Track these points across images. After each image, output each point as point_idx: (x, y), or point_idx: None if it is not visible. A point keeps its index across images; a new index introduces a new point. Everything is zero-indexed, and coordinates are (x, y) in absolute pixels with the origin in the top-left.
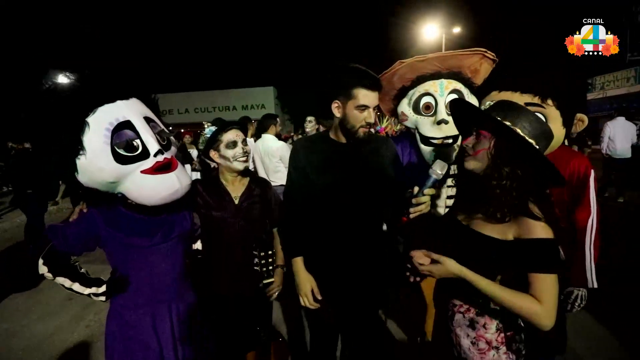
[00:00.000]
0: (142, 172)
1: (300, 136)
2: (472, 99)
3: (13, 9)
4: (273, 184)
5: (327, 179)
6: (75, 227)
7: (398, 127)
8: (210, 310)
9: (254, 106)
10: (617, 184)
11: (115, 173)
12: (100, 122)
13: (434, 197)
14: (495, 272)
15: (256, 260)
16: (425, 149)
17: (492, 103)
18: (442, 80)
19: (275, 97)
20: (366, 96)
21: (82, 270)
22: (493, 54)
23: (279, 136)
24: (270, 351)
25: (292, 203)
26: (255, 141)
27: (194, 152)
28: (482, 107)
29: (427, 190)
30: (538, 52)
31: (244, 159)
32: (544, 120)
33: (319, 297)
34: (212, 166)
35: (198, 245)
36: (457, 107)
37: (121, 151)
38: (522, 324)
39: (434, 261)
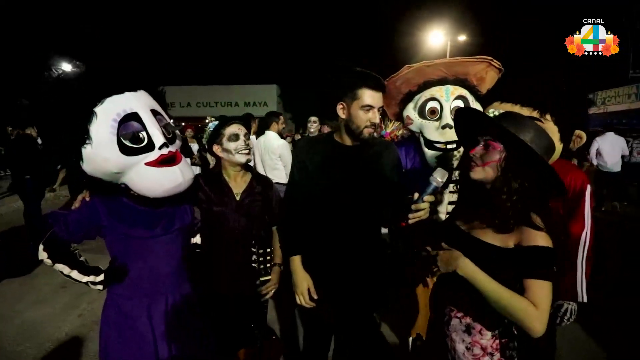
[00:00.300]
0: (146, 164)
1: (299, 136)
2: (477, 106)
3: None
4: None
5: (329, 180)
6: (77, 215)
7: (400, 132)
8: (208, 305)
9: (256, 103)
10: (608, 196)
11: (120, 164)
12: (108, 112)
13: (435, 203)
14: (494, 278)
15: (254, 257)
16: (429, 153)
17: (495, 112)
18: (448, 86)
19: (278, 95)
20: (371, 96)
21: (82, 258)
22: (499, 63)
23: (280, 135)
24: (263, 349)
25: (293, 202)
26: (257, 138)
27: (194, 147)
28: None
29: (426, 197)
30: (540, 66)
31: (246, 151)
32: None
33: (315, 297)
34: (210, 164)
35: (197, 239)
36: (467, 115)
37: (127, 142)
38: (515, 332)
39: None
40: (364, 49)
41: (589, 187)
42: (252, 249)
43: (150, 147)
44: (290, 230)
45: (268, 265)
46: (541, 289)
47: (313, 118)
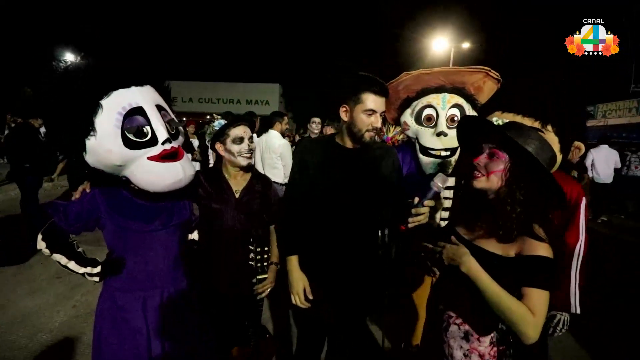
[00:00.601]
0: (148, 158)
1: (298, 136)
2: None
3: None
4: None
5: (329, 181)
6: (76, 206)
7: (401, 136)
8: (206, 302)
9: (258, 101)
10: (600, 207)
11: (123, 157)
12: (113, 105)
13: (434, 208)
14: None
15: (251, 255)
16: (424, 159)
17: (499, 121)
18: (445, 94)
19: (280, 95)
20: (374, 101)
21: (79, 249)
22: (497, 73)
23: (283, 134)
24: (256, 348)
25: (292, 202)
26: (258, 136)
27: (195, 142)
28: None
29: (427, 202)
30: (540, 67)
31: (248, 155)
32: None
33: (311, 297)
34: (209, 162)
35: (195, 235)
36: (471, 123)
37: (131, 136)
38: (512, 340)
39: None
40: (368, 53)
41: (584, 200)
42: (250, 247)
43: (153, 141)
44: (288, 230)
45: (265, 263)
46: (539, 298)
47: (315, 119)
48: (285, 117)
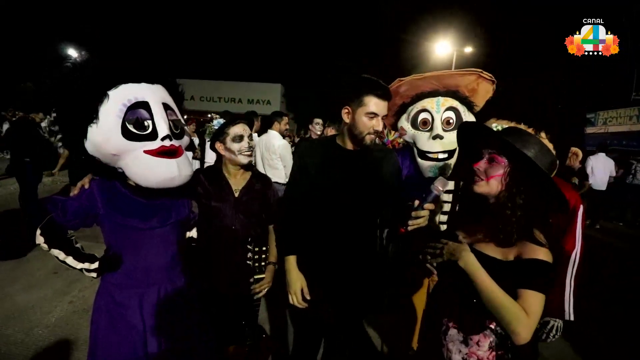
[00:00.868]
0: (145, 151)
1: (297, 137)
2: (470, 117)
3: None
4: None
5: (329, 182)
6: (74, 202)
7: (402, 139)
8: (205, 301)
9: (260, 101)
10: (597, 214)
11: (119, 146)
12: (120, 97)
13: (431, 211)
14: None
15: (249, 254)
16: (421, 163)
17: (498, 127)
18: (439, 97)
19: (282, 95)
20: (376, 104)
21: (78, 245)
22: (490, 75)
23: (282, 135)
24: (253, 347)
25: (292, 202)
26: (259, 136)
27: (195, 140)
28: None
29: (427, 205)
30: (538, 83)
31: (249, 153)
32: None
33: (308, 297)
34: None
35: (193, 233)
36: (470, 129)
37: (130, 127)
38: (510, 344)
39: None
40: (368, 53)
41: (581, 207)
42: (248, 247)
43: (153, 136)
44: (287, 230)
45: (263, 263)
46: (535, 300)
47: (317, 120)
48: (285, 117)
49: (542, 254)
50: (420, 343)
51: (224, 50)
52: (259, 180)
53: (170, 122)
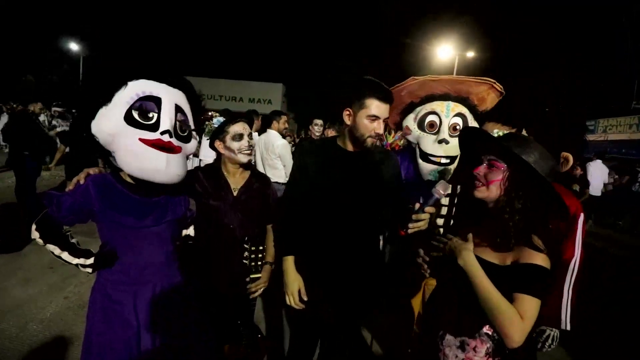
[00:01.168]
0: (140, 139)
1: (297, 137)
2: (475, 125)
3: None
4: None
5: (329, 183)
6: (70, 197)
7: (402, 142)
8: (203, 299)
9: (261, 100)
10: (591, 219)
11: (116, 127)
12: (136, 87)
13: (434, 215)
14: None
15: (246, 254)
16: (422, 165)
17: (499, 132)
18: (450, 102)
19: (284, 95)
20: (378, 107)
21: (73, 240)
22: (501, 86)
23: (282, 134)
24: (247, 347)
25: (291, 202)
26: (259, 135)
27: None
28: None
29: (427, 208)
30: (519, 85)
31: (249, 152)
32: None
33: (305, 298)
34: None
35: (190, 231)
36: (471, 134)
37: (135, 113)
38: (507, 351)
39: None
40: (372, 57)
41: (582, 215)
42: (245, 246)
43: (154, 127)
44: (286, 230)
45: (259, 263)
46: (530, 304)
47: (317, 121)
48: (284, 116)
49: (540, 259)
50: (417, 346)
51: (226, 48)
52: (258, 180)
53: (177, 123)
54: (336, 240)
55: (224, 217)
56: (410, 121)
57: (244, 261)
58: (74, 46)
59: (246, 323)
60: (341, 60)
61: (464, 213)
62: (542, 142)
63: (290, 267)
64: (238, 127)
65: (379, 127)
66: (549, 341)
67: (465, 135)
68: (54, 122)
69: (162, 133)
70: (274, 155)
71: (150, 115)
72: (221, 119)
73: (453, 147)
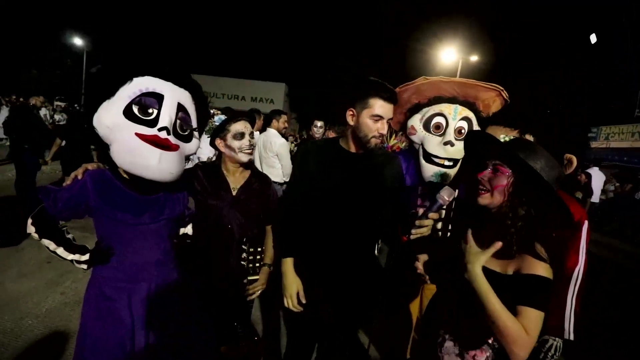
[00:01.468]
0: (136, 133)
1: (297, 137)
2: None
3: None
4: None
5: (330, 185)
6: (66, 192)
7: (404, 144)
8: (203, 299)
9: (263, 99)
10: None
11: (114, 121)
12: (140, 84)
13: (436, 220)
14: None
15: (244, 254)
16: (425, 166)
17: (505, 137)
18: (457, 105)
19: (286, 94)
20: (382, 107)
21: (69, 235)
22: (507, 94)
23: (281, 133)
24: (244, 348)
25: (291, 203)
26: (260, 133)
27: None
28: None
29: (431, 214)
30: (523, 86)
31: (249, 151)
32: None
33: (304, 301)
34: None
35: (188, 229)
36: (477, 138)
37: (135, 108)
38: None
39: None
40: (374, 58)
41: (586, 223)
42: (243, 247)
43: (152, 123)
44: (285, 232)
45: (257, 264)
46: (534, 317)
47: (318, 122)
48: (284, 116)
49: (542, 269)
50: (416, 352)
51: (230, 47)
52: (258, 180)
53: (178, 121)
54: (336, 242)
55: (222, 216)
56: (416, 121)
57: (242, 262)
58: (77, 41)
59: (243, 325)
60: (342, 60)
61: (465, 217)
62: (545, 145)
63: (289, 269)
64: (239, 126)
65: (382, 127)
66: (552, 351)
67: (471, 138)
68: (56, 116)
69: (160, 129)
70: (272, 153)
71: (150, 110)
72: (223, 117)
73: (457, 150)
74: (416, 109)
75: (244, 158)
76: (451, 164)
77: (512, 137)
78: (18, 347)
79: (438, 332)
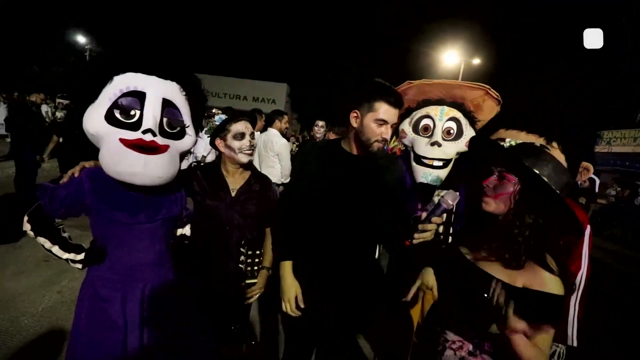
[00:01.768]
0: (120, 139)
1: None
2: (471, 132)
3: None
4: None
5: (331, 187)
6: (63, 190)
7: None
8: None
9: (264, 99)
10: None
11: (97, 128)
12: (121, 83)
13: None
14: (493, 315)
15: (242, 257)
16: (416, 167)
17: (511, 142)
18: (444, 107)
19: (288, 95)
20: (387, 111)
21: (65, 234)
22: (497, 94)
23: (283, 134)
24: (243, 350)
25: (291, 205)
26: (260, 133)
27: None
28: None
29: (434, 219)
30: (546, 91)
31: (250, 152)
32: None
33: (302, 305)
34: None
35: (187, 230)
36: (482, 144)
37: (116, 112)
38: None
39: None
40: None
41: (589, 228)
42: (241, 249)
43: (135, 126)
44: (284, 234)
45: (255, 268)
46: (547, 335)
47: (319, 122)
48: (286, 117)
49: (554, 283)
50: (414, 357)
51: (232, 46)
52: (258, 181)
53: (165, 119)
54: (337, 244)
55: (221, 218)
56: (405, 125)
57: (240, 265)
58: (80, 39)
59: (241, 328)
60: (342, 60)
61: (469, 224)
62: (570, 154)
63: (287, 273)
64: (240, 126)
65: (386, 132)
66: (555, 358)
67: (476, 145)
68: (57, 114)
69: (144, 132)
70: (273, 153)
71: (132, 112)
72: (223, 116)
73: (446, 150)
74: (407, 113)
75: (244, 159)
76: (441, 164)
77: (517, 142)
78: (13, 347)
79: (438, 340)
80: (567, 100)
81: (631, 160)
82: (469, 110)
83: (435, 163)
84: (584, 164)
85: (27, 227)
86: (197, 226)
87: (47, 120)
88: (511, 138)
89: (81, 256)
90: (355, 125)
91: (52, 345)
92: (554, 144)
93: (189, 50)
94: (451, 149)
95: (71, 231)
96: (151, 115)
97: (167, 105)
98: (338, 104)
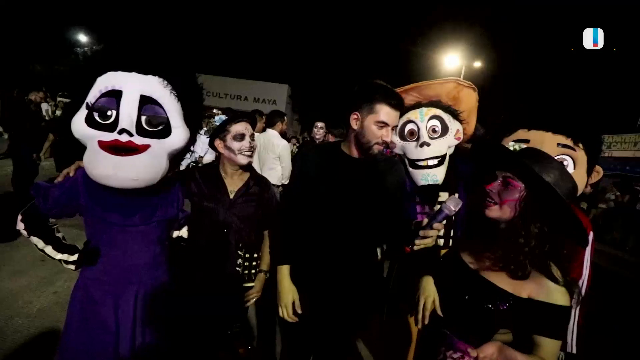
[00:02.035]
0: (98, 141)
1: (302, 139)
2: (455, 125)
3: None
4: None
5: (331, 190)
6: (57, 190)
7: None
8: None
9: (265, 100)
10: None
11: (80, 131)
12: (101, 84)
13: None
14: (498, 325)
15: (240, 260)
16: (413, 172)
17: (516, 146)
18: (422, 108)
19: (289, 96)
20: (388, 114)
21: (59, 234)
22: (469, 82)
23: (283, 135)
24: (238, 356)
25: (290, 207)
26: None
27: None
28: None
29: (436, 225)
30: (571, 94)
31: (249, 153)
32: (572, 165)
33: (299, 311)
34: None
35: (183, 232)
36: (486, 148)
37: (95, 114)
38: None
39: None
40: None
41: (591, 234)
42: (239, 252)
43: (111, 127)
44: (283, 237)
45: (253, 271)
46: (553, 347)
47: (319, 123)
48: (286, 118)
49: (560, 295)
50: None
51: (233, 47)
52: (257, 183)
53: (144, 117)
54: (336, 248)
55: (218, 220)
56: (392, 135)
57: (237, 268)
58: (82, 37)
59: (238, 329)
60: (342, 62)
61: (472, 231)
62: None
63: (284, 278)
64: (240, 127)
65: (387, 134)
66: None
67: (480, 149)
68: (58, 112)
69: (120, 132)
70: (274, 154)
71: (109, 113)
72: (223, 117)
73: (436, 148)
74: None
75: (244, 160)
76: (435, 162)
77: (522, 147)
78: (6, 348)
79: (439, 349)
80: (590, 102)
81: (631, 165)
82: (447, 105)
83: (430, 162)
84: (597, 167)
85: (20, 226)
86: (195, 228)
87: (47, 118)
88: (534, 139)
89: (74, 257)
90: (355, 127)
91: (46, 346)
92: (580, 145)
93: (190, 50)
94: (440, 146)
95: (68, 231)
96: (127, 114)
97: (146, 102)
98: (340, 105)
